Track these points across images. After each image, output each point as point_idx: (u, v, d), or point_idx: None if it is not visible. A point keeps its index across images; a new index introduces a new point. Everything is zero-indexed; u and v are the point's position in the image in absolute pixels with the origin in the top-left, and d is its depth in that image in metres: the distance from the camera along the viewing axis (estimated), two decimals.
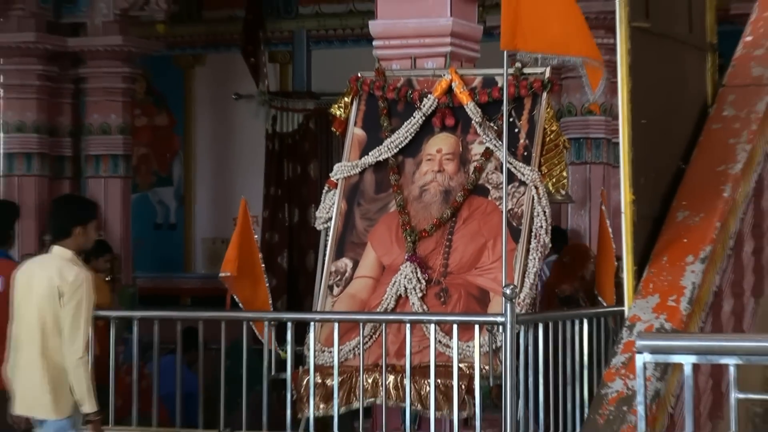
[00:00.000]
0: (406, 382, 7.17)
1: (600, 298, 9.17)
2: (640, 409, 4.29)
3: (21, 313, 6.89)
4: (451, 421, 7.12)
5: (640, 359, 4.28)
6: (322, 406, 7.43)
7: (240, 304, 8.08)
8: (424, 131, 8.04)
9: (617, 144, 5.46)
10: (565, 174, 8.01)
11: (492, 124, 7.77)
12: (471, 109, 7.85)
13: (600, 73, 7.01)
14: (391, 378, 7.33)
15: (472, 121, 7.88)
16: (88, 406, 6.70)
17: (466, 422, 7.19)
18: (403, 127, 8.03)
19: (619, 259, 7.50)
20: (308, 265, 12.80)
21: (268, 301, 8.25)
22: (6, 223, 8.05)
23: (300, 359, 7.61)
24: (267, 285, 8.31)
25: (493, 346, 7.14)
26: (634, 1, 5.31)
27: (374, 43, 8.46)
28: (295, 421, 7.51)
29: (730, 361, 4.21)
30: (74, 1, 12.77)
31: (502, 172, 7.41)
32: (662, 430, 4.77)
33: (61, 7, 12.80)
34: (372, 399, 7.41)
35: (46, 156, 12.88)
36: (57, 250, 6.94)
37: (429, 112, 7.99)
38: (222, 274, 8.06)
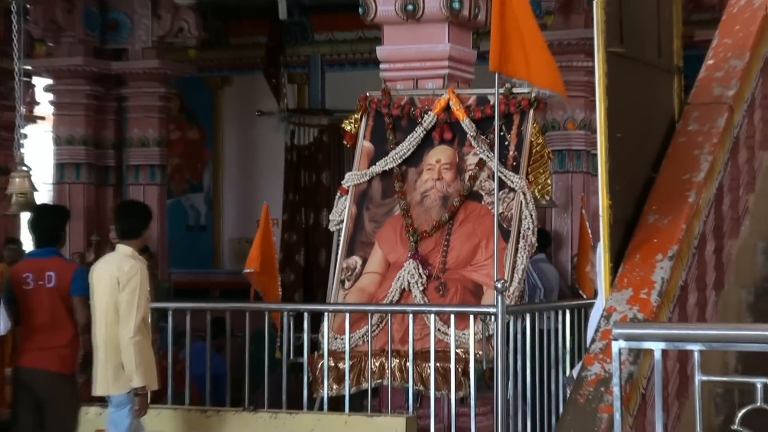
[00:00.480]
0: (409, 365, 7.18)
1: (580, 291, 9.19)
2: (616, 389, 4.27)
3: (93, 304, 6.98)
4: (449, 400, 7.14)
5: (616, 346, 4.27)
6: (334, 386, 7.44)
7: (261, 296, 8.13)
8: (425, 144, 8.06)
9: (595, 155, 5.42)
10: (549, 182, 8.03)
11: (485, 138, 7.78)
12: (466, 124, 7.86)
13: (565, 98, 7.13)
14: (396, 362, 7.33)
15: (468, 135, 7.90)
16: (137, 381, 6.72)
17: (462, 401, 7.19)
18: (406, 140, 8.05)
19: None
20: (320, 262, 12.76)
21: (279, 293, 8.38)
22: (58, 225, 8.03)
23: (315, 345, 7.60)
24: (279, 281, 8.39)
25: (486, 334, 7.14)
26: (610, 29, 5.29)
27: (381, 66, 8.48)
28: (311, 400, 7.53)
29: (695, 347, 4.19)
30: (117, 29, 12.77)
31: (494, 179, 7.39)
32: (635, 408, 4.75)
33: (106, 34, 12.80)
34: (379, 380, 7.43)
35: (92, 166, 12.87)
36: (120, 248, 7.06)
37: (429, 127, 8.02)
38: (246, 270, 8.09)
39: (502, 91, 7.47)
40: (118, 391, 6.81)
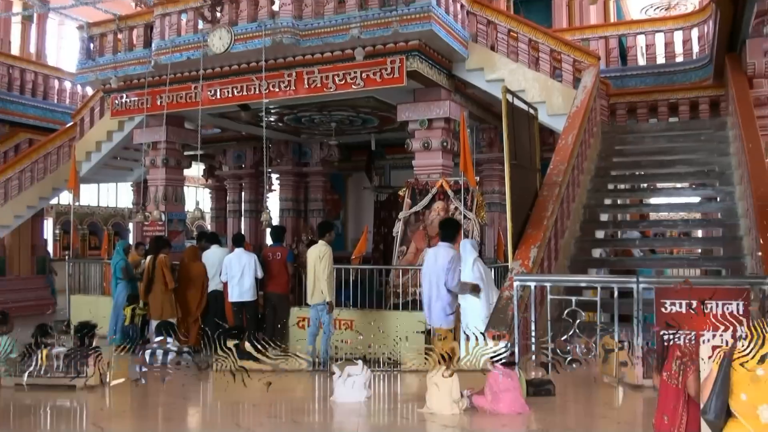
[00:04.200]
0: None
1: (499, 261, 9.09)
2: (515, 301, 4.30)
3: (308, 265, 6.71)
4: None
5: (515, 284, 4.30)
6: (395, 300, 7.44)
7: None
8: (432, 201, 8.04)
9: (505, 204, 5.44)
10: (485, 215, 8.00)
11: (459, 198, 7.79)
12: (450, 192, 7.87)
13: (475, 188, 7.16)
14: (420, 290, 7.33)
15: (451, 197, 7.90)
16: (329, 297, 6.57)
17: None
18: (424, 199, 8.05)
19: (506, 245, 7.46)
20: (391, 249, 12.67)
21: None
22: (283, 233, 8.18)
23: (387, 283, 7.61)
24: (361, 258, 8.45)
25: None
26: (511, 152, 5.32)
27: (414, 169, 8.49)
28: (386, 306, 7.51)
29: (547, 284, 4.22)
30: (305, 155, 12.97)
31: (462, 215, 7.42)
32: (523, 309, 4.76)
33: (300, 156, 12.92)
34: (413, 297, 7.40)
35: (294, 210, 13.05)
36: (321, 242, 6.80)
37: (434, 193, 8.01)
38: (354, 257, 8.19)
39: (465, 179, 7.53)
40: (318, 301, 6.66)
